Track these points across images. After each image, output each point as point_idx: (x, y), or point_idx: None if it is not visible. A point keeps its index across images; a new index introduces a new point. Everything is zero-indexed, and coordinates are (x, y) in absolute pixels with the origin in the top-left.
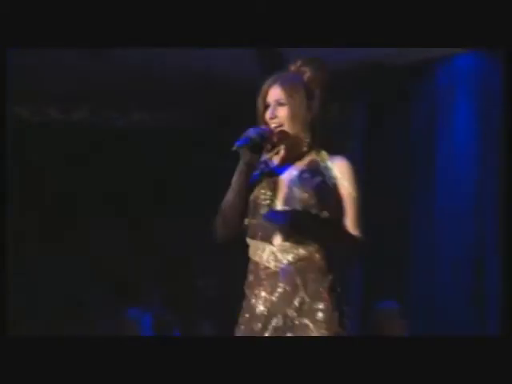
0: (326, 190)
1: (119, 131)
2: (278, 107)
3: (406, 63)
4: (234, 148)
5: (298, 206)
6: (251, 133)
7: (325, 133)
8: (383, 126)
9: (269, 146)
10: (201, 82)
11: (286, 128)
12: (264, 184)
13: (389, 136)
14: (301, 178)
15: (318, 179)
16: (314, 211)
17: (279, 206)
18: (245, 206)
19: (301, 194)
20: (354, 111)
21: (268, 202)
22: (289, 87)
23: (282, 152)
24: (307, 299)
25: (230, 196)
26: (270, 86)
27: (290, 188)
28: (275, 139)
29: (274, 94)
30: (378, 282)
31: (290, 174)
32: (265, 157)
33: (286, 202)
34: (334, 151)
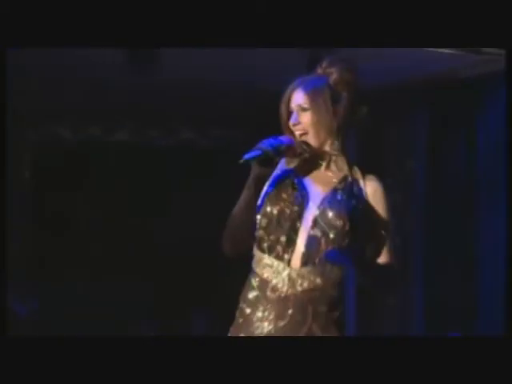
0: (359, 215)
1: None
2: (301, 113)
3: (472, 75)
4: (242, 161)
5: (331, 233)
6: (265, 145)
7: (350, 140)
8: (446, 143)
9: (292, 154)
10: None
11: (310, 135)
12: (290, 198)
13: (453, 154)
14: (334, 200)
15: (352, 203)
16: (346, 240)
17: (306, 224)
18: (252, 219)
19: (335, 220)
20: (414, 127)
21: (294, 218)
22: (312, 91)
23: (308, 161)
24: (316, 330)
25: (238, 209)
26: (292, 91)
27: (321, 209)
28: (298, 150)
29: (297, 98)
30: (443, 311)
31: (320, 191)
32: (287, 165)
33: (316, 223)
34: (390, 170)
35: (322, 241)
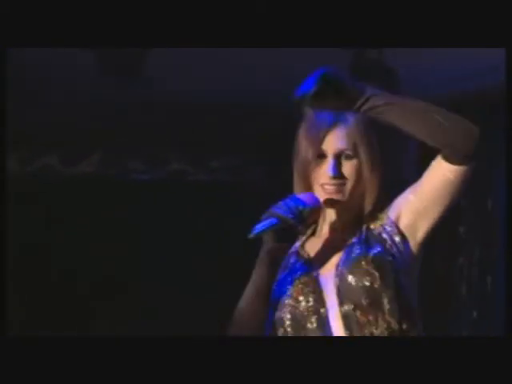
0: (389, 262)
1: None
2: (344, 161)
3: None
4: (252, 235)
5: (364, 300)
6: (281, 210)
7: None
8: None
9: (315, 219)
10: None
11: (354, 191)
12: (302, 284)
13: None
14: (351, 255)
15: (375, 250)
16: (385, 298)
17: (332, 304)
18: (264, 306)
19: (358, 283)
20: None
21: (312, 311)
22: (360, 131)
23: (325, 229)
24: None
25: (248, 292)
26: (328, 130)
27: (340, 275)
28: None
29: (336, 141)
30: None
31: (335, 251)
32: (296, 244)
33: (341, 299)
34: None
35: (358, 314)
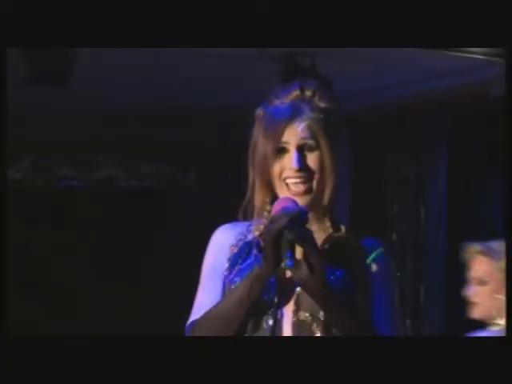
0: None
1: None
2: (307, 153)
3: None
4: (287, 267)
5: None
6: (291, 222)
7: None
8: (465, 186)
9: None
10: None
11: (319, 184)
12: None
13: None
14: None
15: (339, 271)
16: (340, 318)
17: (287, 309)
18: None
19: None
20: (429, 163)
21: (271, 313)
22: (319, 122)
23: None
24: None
25: (228, 304)
26: (288, 123)
27: (297, 290)
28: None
29: (298, 132)
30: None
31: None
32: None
33: (297, 307)
34: None
35: (314, 326)
